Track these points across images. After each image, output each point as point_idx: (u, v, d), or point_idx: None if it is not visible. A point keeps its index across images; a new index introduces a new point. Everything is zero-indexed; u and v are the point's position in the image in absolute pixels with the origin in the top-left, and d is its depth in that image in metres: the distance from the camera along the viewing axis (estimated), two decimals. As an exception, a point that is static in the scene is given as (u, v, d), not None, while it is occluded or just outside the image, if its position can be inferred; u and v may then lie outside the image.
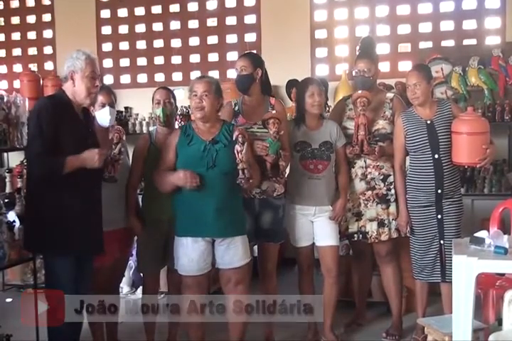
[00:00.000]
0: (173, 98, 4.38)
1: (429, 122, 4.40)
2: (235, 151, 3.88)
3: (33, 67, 8.30)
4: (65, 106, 3.69)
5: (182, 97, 6.56)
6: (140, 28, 8.01)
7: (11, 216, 4.58)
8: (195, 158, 3.94)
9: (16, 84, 8.26)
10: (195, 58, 7.82)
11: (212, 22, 7.78)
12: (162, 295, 5.17)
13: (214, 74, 7.20)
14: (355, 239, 4.74)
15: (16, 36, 8.55)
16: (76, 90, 3.71)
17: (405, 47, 7.18)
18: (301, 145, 4.51)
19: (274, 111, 4.30)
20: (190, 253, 3.97)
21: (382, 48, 6.96)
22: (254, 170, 4.07)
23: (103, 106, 4.14)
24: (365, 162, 4.63)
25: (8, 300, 6.01)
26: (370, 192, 4.65)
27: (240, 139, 3.87)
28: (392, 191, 4.61)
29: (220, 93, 4.08)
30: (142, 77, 8.02)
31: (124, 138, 4.15)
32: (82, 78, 3.69)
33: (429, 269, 4.45)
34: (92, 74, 3.72)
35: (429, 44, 6.98)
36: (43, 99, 3.82)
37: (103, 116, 4.05)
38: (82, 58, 3.71)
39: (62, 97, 3.72)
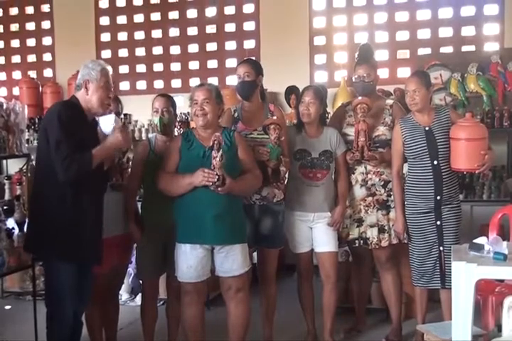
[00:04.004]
0: (173, 105, 4.36)
1: (427, 129, 4.40)
2: (212, 157, 3.83)
3: (32, 74, 8.35)
4: (79, 113, 3.73)
5: (181, 104, 6.57)
6: (139, 35, 8.05)
7: (10, 223, 4.59)
8: (195, 163, 3.93)
9: (15, 91, 8.31)
10: (194, 65, 7.85)
11: (211, 29, 7.82)
12: (161, 302, 5.17)
13: (213, 80, 7.23)
14: (356, 245, 4.73)
15: (15, 43, 8.59)
16: (89, 99, 3.74)
17: (404, 54, 7.21)
18: (300, 154, 4.52)
19: (274, 117, 4.31)
20: (188, 260, 3.96)
21: (380, 55, 7.00)
22: (256, 176, 4.08)
23: (109, 113, 4.15)
24: (365, 168, 4.63)
25: (7, 307, 6.01)
26: (370, 198, 4.64)
27: (215, 145, 3.81)
28: (393, 197, 4.61)
29: (221, 99, 4.09)
30: (141, 84, 8.05)
31: (132, 147, 4.18)
32: (97, 88, 3.73)
33: (429, 276, 4.44)
34: (106, 84, 3.76)
35: (427, 50, 7.01)
36: (58, 104, 3.84)
37: (107, 123, 4.04)
38: (98, 69, 3.74)
39: (76, 104, 3.75)
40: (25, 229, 4.36)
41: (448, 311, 4.05)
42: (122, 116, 7.12)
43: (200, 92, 4.03)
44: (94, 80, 3.72)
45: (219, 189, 3.82)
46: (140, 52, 8.05)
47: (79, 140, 3.58)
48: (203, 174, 3.82)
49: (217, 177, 3.79)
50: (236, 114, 4.47)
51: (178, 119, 5.64)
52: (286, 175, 4.53)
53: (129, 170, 4.34)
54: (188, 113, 6.65)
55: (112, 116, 4.00)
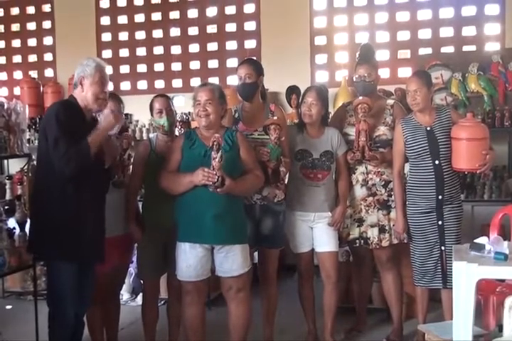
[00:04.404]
0: (172, 105, 4.38)
1: (428, 129, 4.40)
2: (211, 158, 3.83)
3: (33, 74, 8.34)
4: (77, 112, 3.73)
5: (182, 104, 6.58)
6: (140, 34, 8.03)
7: (11, 223, 4.59)
8: (196, 162, 3.93)
9: (16, 91, 8.30)
10: (195, 65, 7.84)
11: (212, 29, 7.80)
12: (162, 302, 5.17)
13: (214, 80, 7.21)
14: (357, 244, 4.73)
15: (16, 43, 8.57)
16: (85, 96, 3.74)
17: (405, 54, 7.20)
18: (302, 154, 4.51)
19: (275, 118, 4.31)
20: (188, 259, 3.97)
21: (381, 55, 6.99)
22: (257, 176, 4.07)
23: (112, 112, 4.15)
24: (366, 168, 4.63)
25: (8, 307, 6.01)
26: (371, 198, 4.64)
27: (214, 147, 3.80)
28: (393, 197, 4.60)
29: (224, 99, 4.08)
30: (142, 84, 8.04)
31: (132, 144, 4.16)
32: (91, 84, 3.73)
33: (430, 276, 4.44)
34: (101, 79, 3.76)
35: (428, 50, 7.00)
36: (56, 103, 3.85)
37: None
38: (92, 65, 3.75)
39: (74, 103, 3.76)
40: (26, 229, 4.37)
41: (449, 311, 4.04)
42: (123, 116, 7.16)
43: (202, 93, 4.02)
44: (89, 76, 3.73)
45: (218, 190, 3.82)
46: (141, 52, 8.04)
47: (77, 138, 3.58)
48: (202, 173, 3.81)
49: (216, 177, 3.79)
50: (236, 115, 4.46)
51: (179, 119, 5.64)
52: (287, 176, 4.53)
53: (131, 167, 4.33)
54: (189, 113, 6.68)
55: None
